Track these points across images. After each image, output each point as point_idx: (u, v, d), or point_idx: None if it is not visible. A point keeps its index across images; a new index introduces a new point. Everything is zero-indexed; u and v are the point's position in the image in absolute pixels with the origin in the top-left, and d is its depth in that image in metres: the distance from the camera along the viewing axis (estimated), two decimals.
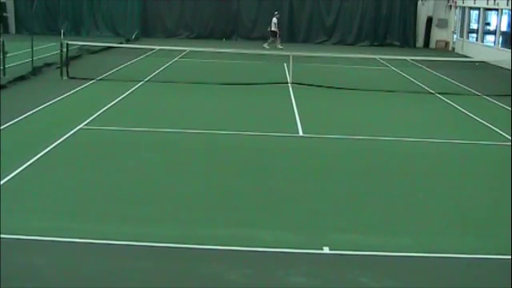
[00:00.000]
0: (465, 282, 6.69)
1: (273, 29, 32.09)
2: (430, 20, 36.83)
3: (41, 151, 10.86)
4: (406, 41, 36.66)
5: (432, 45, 36.86)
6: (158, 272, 6.57)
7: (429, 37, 37.04)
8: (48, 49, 25.03)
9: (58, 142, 11.61)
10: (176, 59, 25.48)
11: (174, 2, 36.53)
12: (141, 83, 18.81)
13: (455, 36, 35.80)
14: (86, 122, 13.26)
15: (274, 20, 32.20)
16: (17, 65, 20.57)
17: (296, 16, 36.47)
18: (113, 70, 21.51)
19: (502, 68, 26.41)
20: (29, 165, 10.08)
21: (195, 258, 6.97)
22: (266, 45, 31.93)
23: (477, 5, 31.93)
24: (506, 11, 29.02)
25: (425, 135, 13.47)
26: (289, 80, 20.10)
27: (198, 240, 7.41)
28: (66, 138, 11.90)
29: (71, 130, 12.52)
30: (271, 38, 32.22)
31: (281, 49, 30.76)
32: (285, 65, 22.83)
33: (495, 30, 30.73)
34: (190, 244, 7.29)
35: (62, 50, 19.48)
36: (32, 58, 19.92)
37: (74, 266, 6.65)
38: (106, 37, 33.26)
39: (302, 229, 7.95)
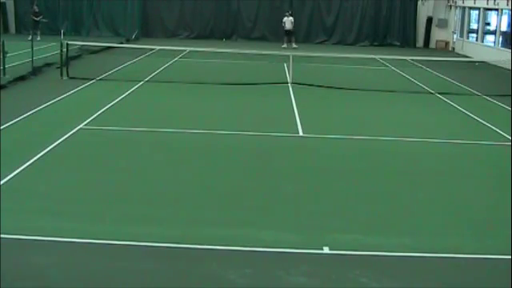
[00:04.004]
0: (465, 282, 6.69)
1: (289, 28, 33.06)
2: (430, 20, 36.84)
3: (41, 151, 10.86)
4: (406, 41, 36.68)
5: (432, 45, 36.87)
6: (158, 272, 6.56)
7: (429, 37, 37.05)
8: (48, 49, 25.02)
9: (58, 141, 11.61)
10: (176, 59, 25.48)
11: (174, 1, 36.56)
12: (141, 83, 18.81)
13: (455, 36, 35.82)
14: (86, 122, 13.26)
15: (291, 19, 33.06)
16: (17, 65, 20.57)
17: (296, 16, 36.42)
18: (113, 70, 21.51)
19: (501, 68, 26.41)
20: (29, 165, 10.08)
21: (195, 258, 6.97)
22: (294, 45, 32.63)
23: (477, 5, 31.93)
24: (506, 11, 29.02)
25: (424, 135, 13.47)
26: (289, 80, 20.10)
27: (198, 240, 7.41)
28: (66, 138, 11.90)
29: (71, 130, 12.52)
30: (291, 37, 32.95)
31: (284, 48, 31.32)
32: (285, 65, 22.84)
33: (495, 30, 30.73)
34: (190, 244, 7.29)
35: (62, 50, 19.49)
36: (32, 58, 19.91)
37: (74, 266, 6.65)
38: (105, 37, 33.23)
39: (302, 229, 7.95)
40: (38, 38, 29.72)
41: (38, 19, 31.48)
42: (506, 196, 9.45)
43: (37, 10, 31.76)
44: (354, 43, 36.57)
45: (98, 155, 11.13)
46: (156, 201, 8.81)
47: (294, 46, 32.62)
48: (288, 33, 33.17)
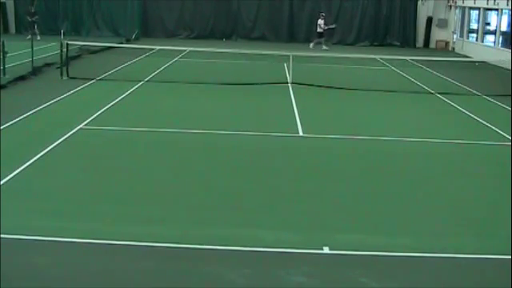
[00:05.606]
0: (465, 282, 6.69)
1: (318, 30, 32.87)
2: (430, 20, 36.83)
3: (41, 151, 10.86)
4: (406, 41, 36.66)
5: (432, 45, 36.86)
6: (158, 272, 6.57)
7: (429, 37, 37.04)
8: (48, 49, 25.02)
9: (58, 141, 11.61)
10: (176, 59, 25.48)
11: (174, 1, 36.55)
12: (141, 83, 18.81)
13: (455, 36, 35.82)
14: (86, 122, 13.26)
15: (320, 21, 32.87)
16: (17, 65, 20.56)
17: (296, 16, 36.46)
18: (113, 70, 21.51)
19: (501, 68, 26.41)
20: (29, 165, 10.08)
21: (195, 258, 6.97)
22: (311, 45, 32.81)
23: (477, 5, 31.93)
24: (506, 11, 29.02)
25: (425, 135, 13.47)
26: (289, 80, 20.09)
27: (198, 240, 7.41)
28: (66, 138, 11.90)
29: (71, 129, 12.52)
30: (317, 39, 32.87)
31: (326, 50, 31.37)
32: (285, 65, 22.83)
33: (495, 30, 30.73)
34: (190, 244, 7.29)
35: (62, 50, 19.49)
36: (32, 57, 19.91)
37: (74, 266, 6.65)
38: (106, 37, 33.21)
39: (302, 229, 7.96)
40: (38, 38, 29.79)
41: (33, 19, 31.53)
42: (506, 196, 9.44)
43: (32, 11, 31.81)
44: (353, 43, 36.54)
45: (97, 155, 11.13)
46: (156, 201, 8.81)
47: (311, 46, 32.73)
48: (321, 35, 32.87)
